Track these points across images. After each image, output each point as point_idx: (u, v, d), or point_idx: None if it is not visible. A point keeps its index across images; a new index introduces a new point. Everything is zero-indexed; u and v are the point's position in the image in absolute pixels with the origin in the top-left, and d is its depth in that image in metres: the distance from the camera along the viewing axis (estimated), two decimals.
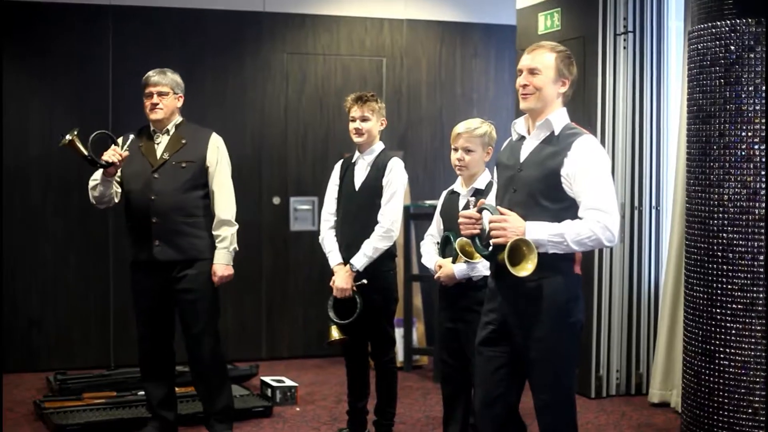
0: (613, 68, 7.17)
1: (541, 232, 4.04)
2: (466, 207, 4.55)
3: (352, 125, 5.87)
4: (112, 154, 5.72)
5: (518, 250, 4.12)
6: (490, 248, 4.25)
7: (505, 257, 4.07)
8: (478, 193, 5.21)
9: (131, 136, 5.93)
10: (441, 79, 9.05)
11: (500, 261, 4.14)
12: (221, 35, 8.48)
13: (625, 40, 7.17)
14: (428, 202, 7.99)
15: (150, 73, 5.95)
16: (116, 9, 8.23)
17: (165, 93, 5.89)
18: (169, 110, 5.92)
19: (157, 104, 5.87)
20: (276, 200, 8.60)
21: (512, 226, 4.06)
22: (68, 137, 5.73)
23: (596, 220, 4.08)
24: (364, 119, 5.83)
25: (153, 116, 5.90)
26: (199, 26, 8.42)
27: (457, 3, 9.06)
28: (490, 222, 4.10)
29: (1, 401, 5.85)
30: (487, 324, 4.42)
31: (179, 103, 5.98)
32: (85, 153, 5.72)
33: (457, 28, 9.06)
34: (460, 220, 4.37)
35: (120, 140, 5.97)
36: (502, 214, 4.14)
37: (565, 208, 4.16)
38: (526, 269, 4.09)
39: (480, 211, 4.32)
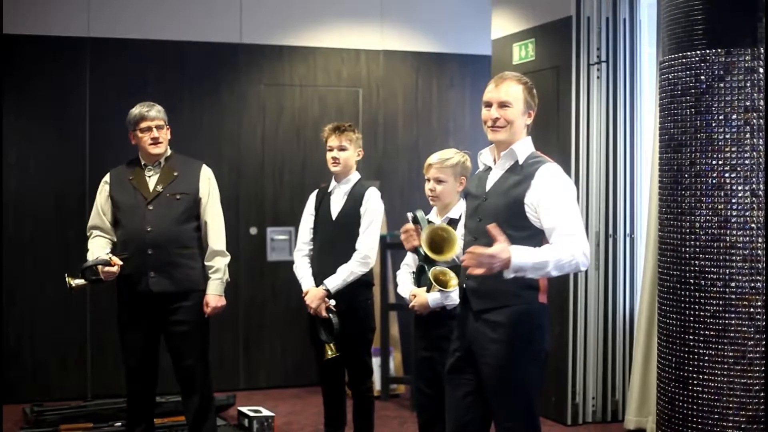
0: (587, 97, 7.24)
1: (526, 258, 4.01)
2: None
3: (329, 154, 5.92)
4: (112, 272, 5.73)
5: (437, 236, 4.40)
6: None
7: (426, 249, 4.37)
8: (452, 223, 5.23)
9: (107, 176, 6.00)
10: (417, 109, 9.11)
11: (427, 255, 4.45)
12: (198, 66, 8.51)
13: (598, 69, 7.24)
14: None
15: (141, 108, 5.91)
16: (94, 41, 8.26)
17: (161, 126, 5.91)
18: (166, 143, 5.94)
19: (158, 138, 5.87)
20: (253, 230, 8.62)
21: (499, 255, 3.95)
22: (73, 284, 5.76)
23: (574, 245, 4.11)
24: (341, 149, 5.88)
25: (155, 150, 5.88)
26: (177, 58, 8.46)
27: (433, 34, 9.13)
28: (475, 260, 3.98)
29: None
30: (455, 351, 4.48)
31: (169, 135, 6.01)
32: (93, 279, 5.78)
33: (433, 59, 9.13)
34: (402, 236, 4.58)
35: (108, 178, 6.01)
36: (482, 253, 4.00)
37: (528, 236, 4.21)
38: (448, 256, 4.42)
39: (414, 220, 4.57)
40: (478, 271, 3.95)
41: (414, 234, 4.56)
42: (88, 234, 6.03)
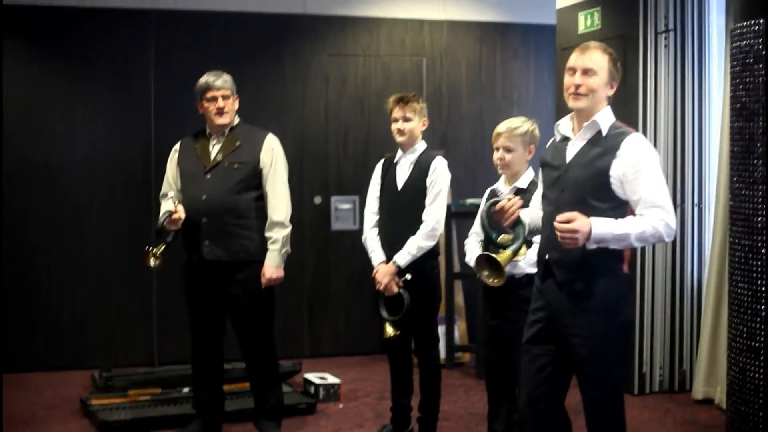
0: (654, 67, 7.17)
1: (607, 229, 4.03)
2: (493, 202, 4.64)
3: (394, 126, 5.89)
4: (176, 219, 5.79)
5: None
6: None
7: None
8: (521, 192, 5.21)
9: (177, 144, 6.08)
10: (481, 79, 9.08)
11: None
12: (262, 38, 8.54)
13: (666, 38, 7.16)
14: (469, 200, 8.03)
15: (209, 77, 5.94)
16: (158, 13, 8.32)
17: (227, 96, 5.92)
18: (233, 113, 5.96)
19: (223, 108, 5.89)
20: (317, 200, 8.66)
21: (581, 230, 4.00)
22: (152, 260, 5.85)
23: (659, 217, 4.10)
24: (405, 119, 5.85)
25: (220, 120, 5.91)
26: (240, 29, 8.49)
27: (496, 3, 9.08)
28: (559, 230, 4.05)
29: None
30: (535, 322, 4.45)
31: (237, 105, 6.03)
32: (167, 241, 5.87)
33: (496, 29, 9.09)
34: (506, 217, 4.51)
35: (177, 146, 6.09)
36: (566, 219, 4.08)
37: (612, 207, 4.18)
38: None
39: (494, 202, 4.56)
40: (571, 245, 4.00)
41: (512, 210, 4.53)
42: (159, 200, 6.09)
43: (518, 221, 4.56)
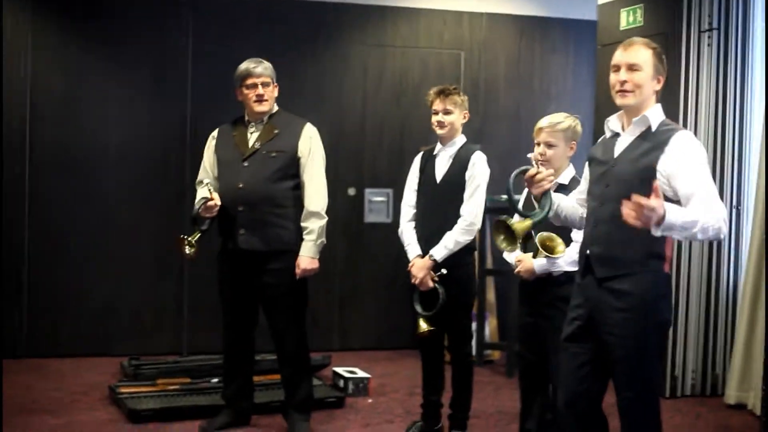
0: (696, 66, 7.08)
1: (678, 216, 3.88)
2: (524, 169, 4.55)
3: (434, 118, 5.83)
4: (212, 206, 5.75)
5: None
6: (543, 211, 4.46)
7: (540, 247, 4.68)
8: (562, 188, 5.15)
9: (215, 131, 6.06)
10: (519, 74, 9.01)
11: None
12: (300, 26, 8.49)
13: (709, 37, 7.07)
14: (504, 196, 7.93)
15: (249, 64, 5.89)
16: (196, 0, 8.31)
17: (267, 84, 5.87)
18: (272, 101, 5.91)
19: (263, 95, 5.84)
20: (351, 191, 8.62)
21: (658, 210, 3.79)
22: (188, 248, 5.84)
23: (717, 211, 3.99)
24: (446, 112, 5.79)
25: (259, 108, 5.86)
26: (279, 17, 8.44)
27: None
28: (636, 211, 3.82)
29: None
30: (573, 320, 4.39)
31: (276, 93, 5.98)
32: (203, 229, 5.85)
33: (536, 23, 9.01)
34: (536, 185, 4.44)
35: (216, 133, 6.05)
36: (644, 205, 3.84)
37: None
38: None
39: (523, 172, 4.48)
40: (635, 223, 3.84)
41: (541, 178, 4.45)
42: (195, 187, 6.05)
43: (546, 194, 4.48)
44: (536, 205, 4.52)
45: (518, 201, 4.73)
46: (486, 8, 8.89)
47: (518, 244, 4.49)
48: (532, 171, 4.47)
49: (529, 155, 5.14)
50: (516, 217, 4.78)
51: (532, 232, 4.91)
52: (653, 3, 7.33)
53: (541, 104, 8.85)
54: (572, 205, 4.58)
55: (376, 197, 8.68)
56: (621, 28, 7.61)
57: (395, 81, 8.73)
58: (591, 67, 8.82)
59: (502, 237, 4.48)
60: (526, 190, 4.90)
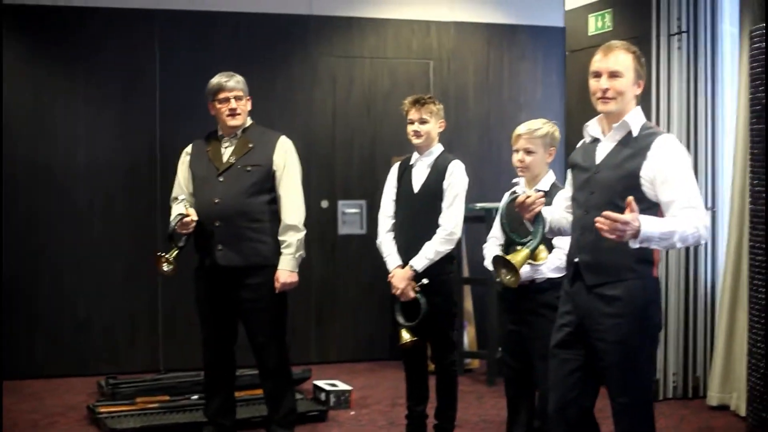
0: (667, 69, 7.11)
1: (654, 228, 3.89)
2: (514, 197, 4.57)
3: (410, 128, 5.81)
4: (188, 222, 5.68)
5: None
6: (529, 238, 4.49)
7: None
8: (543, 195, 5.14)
9: (189, 146, 5.99)
10: (488, 82, 9.01)
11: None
12: (268, 39, 8.47)
13: (679, 40, 7.09)
14: (478, 204, 7.93)
15: (221, 78, 5.85)
16: (163, 13, 8.24)
17: (240, 97, 5.83)
18: (245, 114, 5.87)
19: (236, 109, 5.79)
20: (324, 204, 8.58)
21: (632, 223, 3.83)
22: (165, 265, 5.71)
23: (697, 218, 4.00)
24: (422, 121, 5.78)
25: (232, 122, 5.81)
26: (246, 30, 8.42)
27: (504, 5, 9.01)
28: (610, 218, 3.85)
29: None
30: (563, 326, 4.38)
31: (249, 106, 5.93)
32: (179, 245, 5.76)
33: (504, 31, 9.02)
34: (527, 209, 4.44)
35: (189, 149, 5.99)
36: (616, 219, 3.85)
37: (643, 209, 4.03)
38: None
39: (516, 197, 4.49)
40: (609, 237, 3.85)
41: (533, 204, 4.45)
42: (170, 204, 6.00)
43: (538, 218, 4.50)
44: (528, 225, 4.54)
45: (515, 235, 4.72)
46: (454, 17, 8.89)
47: (519, 273, 4.53)
48: (522, 197, 4.45)
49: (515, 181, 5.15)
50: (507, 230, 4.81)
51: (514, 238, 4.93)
52: (622, 7, 7.36)
53: (511, 112, 8.86)
54: (561, 216, 4.57)
55: (349, 209, 8.64)
56: (590, 34, 7.65)
57: (364, 92, 8.72)
58: (560, 74, 8.84)
59: (503, 271, 4.50)
60: (504, 198, 4.89)
